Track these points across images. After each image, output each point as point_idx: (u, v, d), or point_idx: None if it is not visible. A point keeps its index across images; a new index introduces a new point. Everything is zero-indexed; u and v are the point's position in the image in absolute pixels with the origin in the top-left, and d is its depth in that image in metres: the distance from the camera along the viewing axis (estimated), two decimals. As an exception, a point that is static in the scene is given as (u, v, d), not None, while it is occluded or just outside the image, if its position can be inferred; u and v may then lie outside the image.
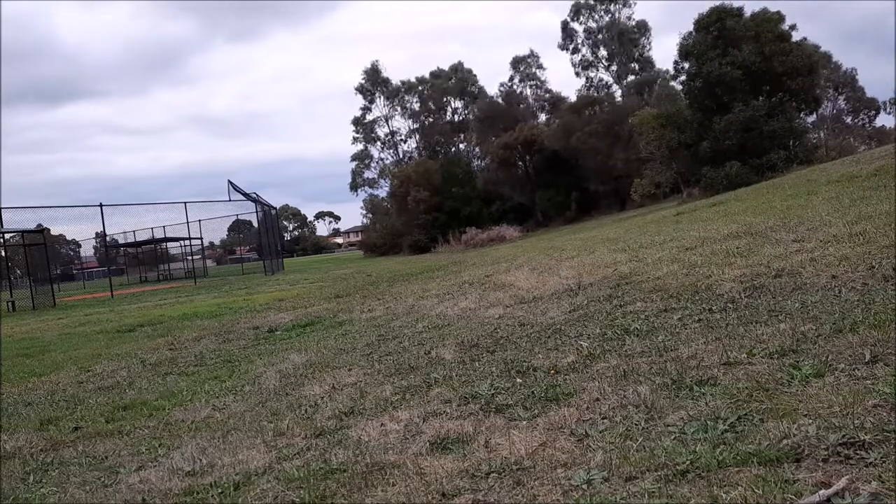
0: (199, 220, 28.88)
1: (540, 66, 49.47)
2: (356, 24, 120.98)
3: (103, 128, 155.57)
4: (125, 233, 34.17)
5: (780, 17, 24.84)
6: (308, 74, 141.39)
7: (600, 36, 43.97)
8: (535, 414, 2.99)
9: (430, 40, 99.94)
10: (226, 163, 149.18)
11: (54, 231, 35.06)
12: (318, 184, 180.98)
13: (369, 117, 53.09)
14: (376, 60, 53.00)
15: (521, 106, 47.18)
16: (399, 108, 52.54)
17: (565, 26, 45.25)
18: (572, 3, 44.43)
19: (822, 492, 1.81)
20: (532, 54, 49.54)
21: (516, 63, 49.41)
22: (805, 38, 25.54)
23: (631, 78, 45.20)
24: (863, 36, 75.47)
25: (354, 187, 54.38)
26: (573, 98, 43.85)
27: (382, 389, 3.95)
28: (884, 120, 41.31)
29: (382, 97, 52.39)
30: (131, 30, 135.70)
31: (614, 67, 45.20)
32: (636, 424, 2.60)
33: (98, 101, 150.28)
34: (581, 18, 44.68)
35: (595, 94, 43.26)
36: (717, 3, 25.37)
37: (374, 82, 52.08)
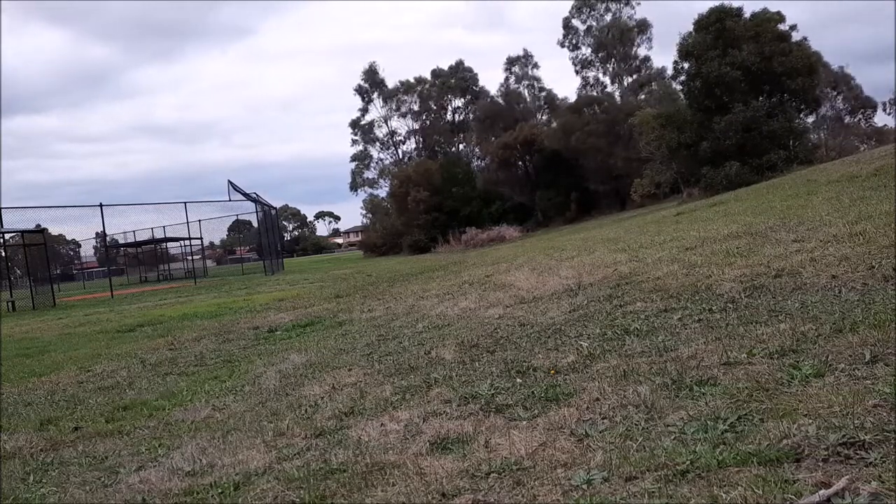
0: (199, 220, 28.91)
1: (536, 66, 49.43)
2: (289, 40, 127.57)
3: (59, 136, 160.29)
4: (125, 233, 34.20)
5: (779, 17, 24.83)
6: (258, 84, 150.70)
7: (601, 34, 43.89)
8: (535, 414, 2.99)
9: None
10: (201, 166, 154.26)
11: (54, 231, 35.07)
12: (315, 184, 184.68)
13: (367, 118, 53.18)
14: (374, 62, 53.12)
15: (521, 106, 47.12)
16: (396, 109, 52.53)
17: (566, 23, 45.18)
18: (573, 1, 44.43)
19: (822, 492, 1.81)
20: (527, 54, 49.50)
21: (510, 63, 49.33)
22: (805, 38, 25.51)
23: (631, 78, 45.15)
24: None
25: (354, 187, 54.42)
26: (572, 98, 43.89)
27: (382, 389, 3.95)
28: (883, 119, 41.28)
29: (380, 98, 52.40)
30: (57, 55, 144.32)
31: (613, 67, 45.14)
32: (636, 424, 2.60)
33: (44, 115, 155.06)
34: (582, 16, 44.63)
35: (595, 94, 43.22)
36: (717, 4, 25.40)
37: (372, 83, 52.06)
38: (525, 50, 51.67)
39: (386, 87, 51.99)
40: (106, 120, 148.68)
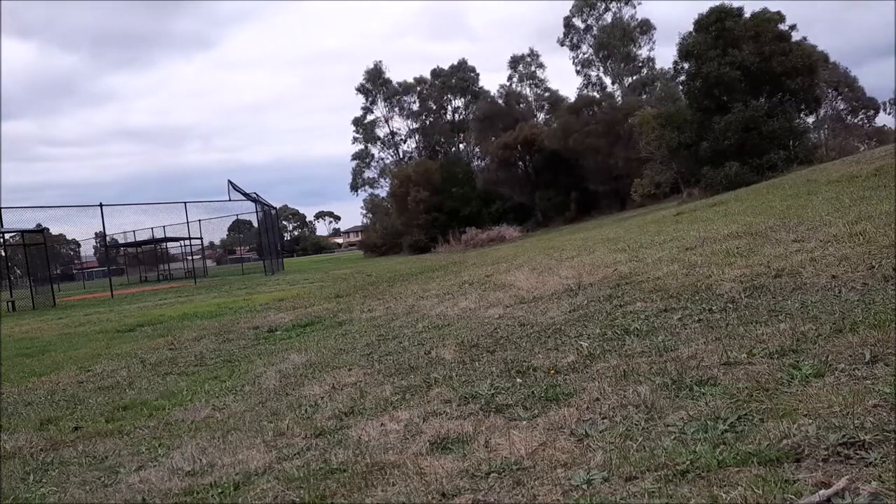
0: (199, 220, 28.89)
1: (540, 66, 49.48)
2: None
3: (37, 140, 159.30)
4: (125, 233, 34.20)
5: (779, 17, 24.83)
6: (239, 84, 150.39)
7: (602, 34, 43.89)
8: (535, 414, 2.99)
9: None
10: (188, 168, 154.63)
11: (54, 231, 35.06)
12: (312, 185, 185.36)
13: (370, 117, 53.15)
14: (379, 61, 53.08)
15: (522, 105, 47.15)
16: (398, 109, 52.51)
17: (567, 22, 45.22)
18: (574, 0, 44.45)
19: (822, 492, 1.81)
20: (532, 53, 49.57)
21: (515, 62, 49.37)
22: (805, 38, 25.53)
23: (631, 78, 45.16)
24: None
25: (355, 187, 54.39)
26: (573, 97, 43.91)
27: (382, 389, 3.95)
28: (884, 120, 41.29)
29: (381, 98, 52.36)
30: (23, 65, 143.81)
31: (614, 67, 45.14)
32: (636, 424, 2.60)
33: (19, 120, 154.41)
34: (583, 16, 44.65)
35: (595, 94, 43.26)
36: (717, 4, 25.41)
37: (374, 82, 52.05)
38: (531, 49, 51.72)
39: (390, 84, 51.95)
40: (81, 125, 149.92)
